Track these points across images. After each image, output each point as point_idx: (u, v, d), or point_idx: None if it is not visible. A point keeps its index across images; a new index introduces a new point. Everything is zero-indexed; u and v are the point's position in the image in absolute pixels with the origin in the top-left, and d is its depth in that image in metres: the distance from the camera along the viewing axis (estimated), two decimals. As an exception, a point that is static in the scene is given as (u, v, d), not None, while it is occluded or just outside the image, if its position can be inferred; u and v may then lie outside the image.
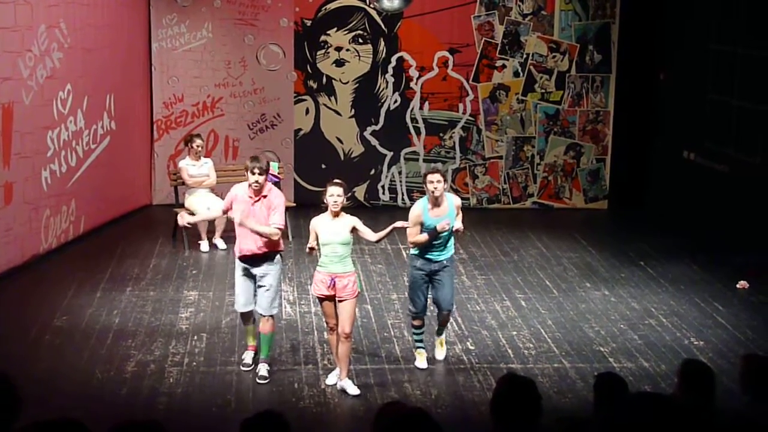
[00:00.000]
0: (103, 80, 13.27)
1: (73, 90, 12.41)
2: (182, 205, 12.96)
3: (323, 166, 15.14)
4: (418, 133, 15.33)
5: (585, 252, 13.00)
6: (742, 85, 12.86)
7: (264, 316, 8.72)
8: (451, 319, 10.14)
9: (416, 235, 8.79)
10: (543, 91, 15.30)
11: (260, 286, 8.70)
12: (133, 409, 7.79)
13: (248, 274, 8.74)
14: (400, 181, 15.39)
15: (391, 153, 15.30)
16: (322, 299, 8.42)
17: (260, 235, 8.54)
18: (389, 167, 15.35)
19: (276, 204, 8.66)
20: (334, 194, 8.28)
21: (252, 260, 8.64)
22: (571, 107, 15.36)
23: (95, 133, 13.19)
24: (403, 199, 15.35)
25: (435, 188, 8.69)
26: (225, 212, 8.99)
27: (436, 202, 8.77)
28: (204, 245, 12.67)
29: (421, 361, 9.08)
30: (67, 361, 8.98)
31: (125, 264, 11.98)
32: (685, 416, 2.46)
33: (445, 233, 8.78)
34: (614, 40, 15.19)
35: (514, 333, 9.94)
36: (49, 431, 2.72)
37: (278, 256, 8.76)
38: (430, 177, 8.75)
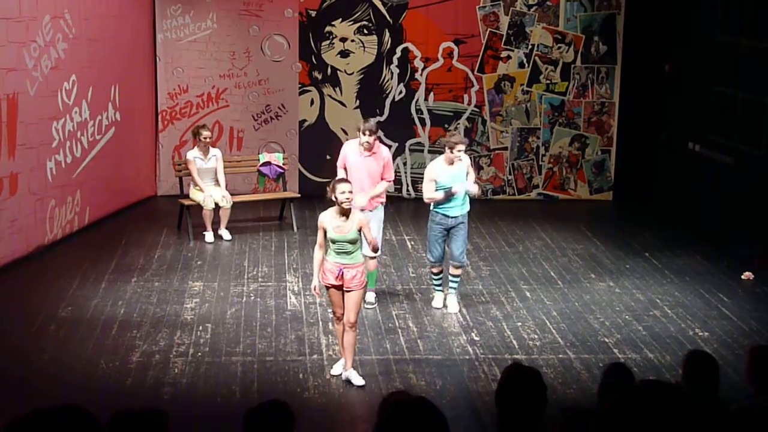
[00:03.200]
0: (107, 71, 13.26)
1: (77, 81, 12.41)
2: (187, 196, 12.97)
3: (328, 157, 15.13)
4: (423, 124, 15.32)
5: (590, 243, 12.99)
6: (748, 78, 12.82)
7: (369, 257, 9.79)
8: (456, 310, 10.18)
9: (432, 194, 9.91)
10: (548, 82, 15.28)
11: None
12: (137, 400, 7.78)
13: None
14: (405, 172, 15.38)
15: (396, 144, 15.28)
16: (329, 288, 8.42)
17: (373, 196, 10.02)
18: (394, 158, 15.32)
19: (387, 159, 10.16)
20: (346, 191, 8.22)
21: (362, 210, 9.71)
22: (576, 98, 15.34)
23: (100, 124, 13.20)
24: (408, 191, 15.34)
25: (460, 153, 9.87)
26: (343, 168, 10.21)
27: (452, 162, 9.90)
28: (209, 236, 12.67)
29: (436, 301, 10.34)
30: (72, 352, 8.99)
31: (130, 255, 11.99)
32: (690, 405, 2.46)
33: (459, 195, 9.87)
34: (619, 32, 15.16)
35: (519, 324, 9.93)
36: (52, 418, 2.71)
37: (380, 205, 10.23)
38: (459, 147, 9.91)
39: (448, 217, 10.02)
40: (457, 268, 10.24)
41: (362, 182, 10.00)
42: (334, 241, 8.27)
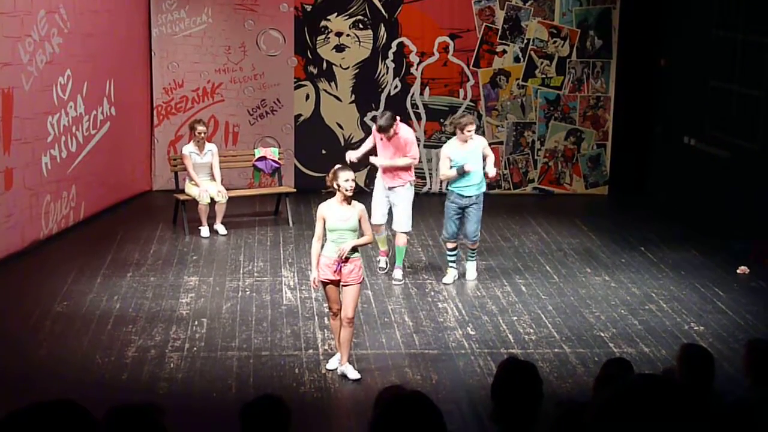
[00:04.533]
0: (103, 66, 13.24)
1: (72, 75, 12.39)
2: (182, 191, 12.96)
3: (324, 152, 15.13)
4: (419, 119, 15.31)
5: (585, 237, 13.00)
6: (743, 72, 12.83)
7: (399, 232, 10.76)
8: (452, 305, 10.20)
9: (446, 171, 10.59)
10: (544, 76, 15.28)
11: (395, 208, 10.83)
12: (133, 395, 7.77)
13: (385, 196, 10.87)
14: (401, 167, 15.36)
15: (392, 139, 15.26)
16: (326, 284, 8.39)
17: (396, 169, 10.66)
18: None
19: (409, 140, 10.71)
20: (349, 179, 8.20)
21: (389, 187, 10.78)
22: (571, 93, 15.34)
23: (95, 119, 13.18)
24: (403, 185, 15.32)
25: (471, 133, 10.56)
26: (372, 148, 10.94)
27: (465, 141, 10.55)
28: (204, 231, 12.66)
29: (448, 277, 10.90)
30: (68, 347, 8.99)
31: (125, 249, 11.98)
32: (686, 398, 2.46)
33: (471, 173, 10.48)
34: (615, 26, 15.15)
35: (515, 318, 9.94)
36: (47, 413, 2.71)
37: (409, 184, 10.81)
38: (469, 127, 10.55)
39: (462, 196, 10.65)
40: (474, 244, 10.94)
41: (386, 158, 10.79)
42: (333, 231, 8.25)
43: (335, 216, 8.23)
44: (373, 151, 11.02)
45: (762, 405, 5.24)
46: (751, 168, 12.50)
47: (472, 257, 11.07)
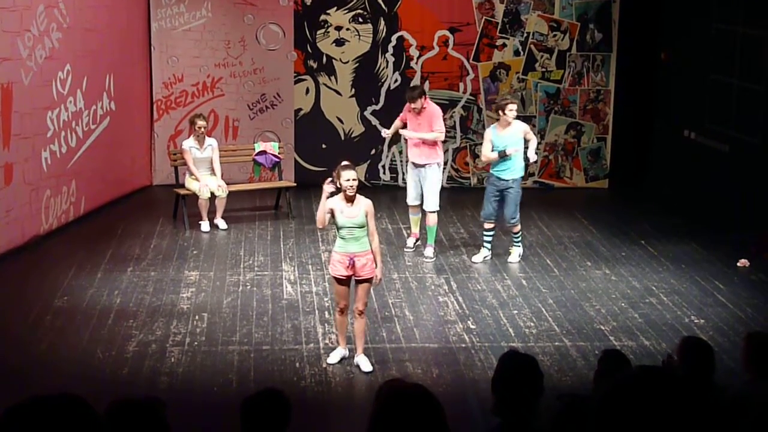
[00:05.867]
0: (102, 60, 13.23)
1: (72, 70, 12.38)
2: (182, 185, 12.96)
3: (324, 146, 15.13)
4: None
5: (586, 231, 13.00)
6: (744, 65, 12.82)
7: (429, 212, 11.34)
8: (453, 299, 10.21)
9: (487, 153, 11.08)
10: (543, 70, 15.27)
11: (424, 188, 11.41)
12: (134, 389, 7.79)
13: (416, 176, 11.48)
14: (401, 161, 15.36)
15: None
16: (339, 280, 8.35)
17: (425, 144, 11.32)
18: (390, 147, 15.33)
19: (436, 114, 11.35)
20: (350, 178, 8.17)
21: (418, 167, 11.40)
22: (571, 86, 15.33)
23: (95, 114, 13.17)
24: (404, 179, 15.32)
25: (512, 113, 11.10)
26: (403, 125, 11.65)
27: (507, 125, 11.07)
28: (205, 225, 12.66)
29: (478, 256, 11.44)
30: (68, 342, 8.99)
31: (126, 244, 11.98)
32: (686, 390, 2.46)
33: (512, 156, 10.95)
34: (615, 19, 15.14)
35: (515, 312, 9.95)
36: (48, 406, 2.71)
37: (437, 164, 11.38)
38: (510, 106, 11.07)
39: (500, 179, 11.12)
40: (514, 227, 11.32)
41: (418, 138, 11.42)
42: (342, 228, 8.24)
43: (342, 214, 8.22)
44: (404, 128, 11.68)
45: (762, 398, 5.24)
46: (751, 161, 12.49)
47: (517, 242, 11.46)
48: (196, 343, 9.00)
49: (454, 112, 15.24)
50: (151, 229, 12.66)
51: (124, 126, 13.98)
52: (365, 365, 8.41)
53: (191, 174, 12.79)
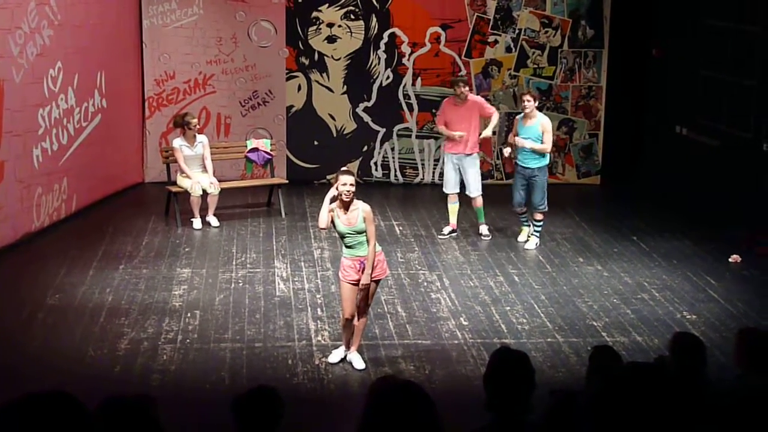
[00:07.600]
0: (93, 58, 13.20)
1: (63, 67, 12.35)
2: (174, 183, 12.94)
3: (316, 143, 15.12)
4: (411, 110, 15.30)
5: (578, 227, 13.02)
6: (735, 61, 12.84)
7: (474, 196, 12.21)
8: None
9: (512, 137, 11.92)
10: (535, 66, 15.27)
11: (467, 175, 12.18)
12: (126, 387, 7.77)
13: (455, 167, 12.20)
14: (393, 158, 15.36)
15: (384, 129, 15.27)
16: (350, 284, 8.26)
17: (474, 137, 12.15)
18: (382, 144, 15.32)
19: (477, 101, 12.26)
20: (347, 183, 8.04)
21: (459, 157, 12.15)
22: (563, 82, 15.34)
23: (86, 111, 13.14)
24: (396, 176, 15.32)
25: (529, 104, 11.72)
26: (444, 124, 12.19)
27: (528, 117, 11.75)
28: (197, 223, 12.65)
29: (522, 236, 12.25)
30: (60, 340, 8.98)
31: (118, 242, 11.97)
32: (677, 386, 2.47)
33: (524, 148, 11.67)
34: (606, 15, 15.15)
35: (508, 308, 9.96)
36: (40, 404, 2.71)
37: (476, 153, 12.22)
38: (527, 96, 11.70)
39: (525, 167, 11.81)
40: (539, 213, 11.92)
41: (464, 128, 12.02)
42: (345, 236, 8.20)
43: (340, 221, 8.16)
44: (446, 125, 12.19)
45: (753, 393, 5.25)
46: (742, 157, 12.51)
47: (538, 230, 12.04)
48: (188, 340, 8.99)
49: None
50: (143, 227, 12.64)
51: (115, 123, 13.96)
52: (358, 362, 8.42)
53: (182, 172, 12.77)
